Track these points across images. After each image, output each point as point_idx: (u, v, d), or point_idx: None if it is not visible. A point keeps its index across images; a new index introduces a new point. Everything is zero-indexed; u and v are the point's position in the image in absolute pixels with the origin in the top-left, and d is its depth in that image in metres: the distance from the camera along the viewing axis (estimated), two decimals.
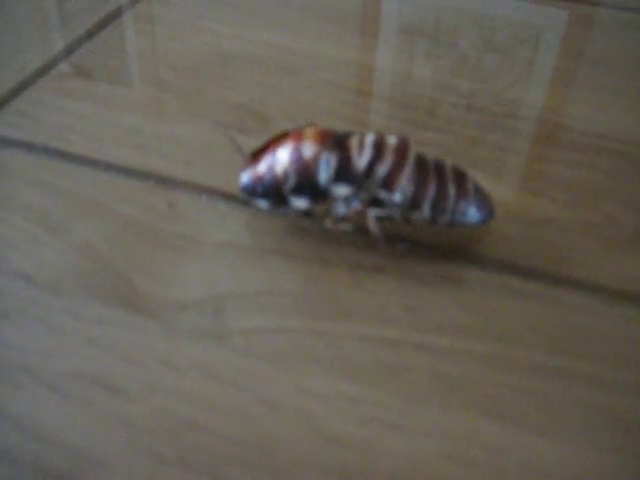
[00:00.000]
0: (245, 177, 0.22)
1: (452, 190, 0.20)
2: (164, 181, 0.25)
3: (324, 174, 0.20)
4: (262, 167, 0.21)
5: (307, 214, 0.21)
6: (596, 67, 0.32)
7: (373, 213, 0.20)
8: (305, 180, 0.20)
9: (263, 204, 0.22)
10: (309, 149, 0.20)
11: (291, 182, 0.21)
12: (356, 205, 0.21)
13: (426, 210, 0.20)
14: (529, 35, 0.33)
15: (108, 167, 0.25)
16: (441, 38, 0.33)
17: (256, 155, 0.22)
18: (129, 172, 0.25)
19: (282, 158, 0.21)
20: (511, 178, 0.25)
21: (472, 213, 0.21)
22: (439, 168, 0.21)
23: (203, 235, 0.22)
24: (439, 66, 0.31)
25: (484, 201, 0.21)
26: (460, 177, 0.21)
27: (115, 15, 0.34)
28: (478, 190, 0.21)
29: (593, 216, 0.23)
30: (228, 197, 0.24)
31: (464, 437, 0.17)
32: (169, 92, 0.29)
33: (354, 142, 0.20)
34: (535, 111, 0.29)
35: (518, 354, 0.19)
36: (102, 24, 0.34)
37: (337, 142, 0.20)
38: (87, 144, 0.26)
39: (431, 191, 0.20)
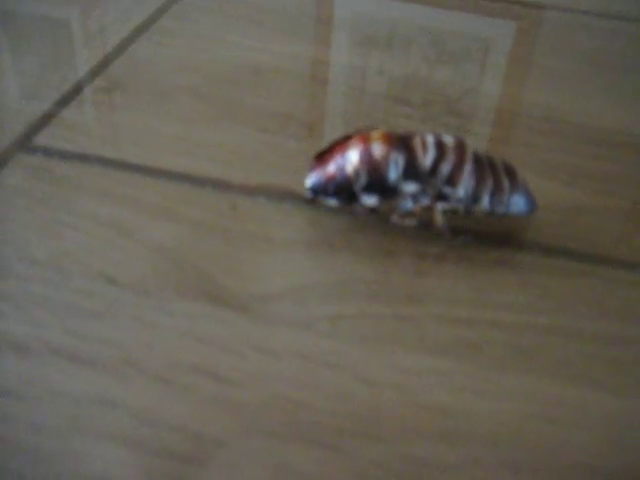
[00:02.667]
0: (314, 177, 0.23)
1: (506, 183, 0.23)
2: (221, 185, 0.26)
3: (394, 173, 0.22)
4: (332, 167, 0.23)
5: (373, 210, 0.23)
6: (547, 71, 0.35)
7: (440, 207, 0.22)
8: (376, 178, 0.22)
9: (333, 202, 0.23)
10: (379, 150, 0.22)
11: (362, 180, 0.22)
12: (424, 200, 0.23)
13: (485, 202, 0.23)
14: (479, 46, 0.35)
15: (164, 174, 0.26)
16: (394, 50, 0.35)
17: (321, 157, 0.24)
18: (185, 178, 0.26)
19: (352, 158, 0.22)
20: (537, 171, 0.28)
21: (522, 204, 0.23)
22: (492, 164, 0.23)
23: (271, 233, 0.24)
24: (393, 78, 0.33)
25: (530, 193, 0.23)
26: (511, 171, 0.23)
27: (140, 30, 0.36)
28: (525, 183, 0.23)
29: (619, 202, 0.26)
30: (286, 197, 0.26)
31: (547, 399, 0.19)
32: (207, 102, 0.31)
33: (417, 143, 0.22)
34: (488, 117, 0.32)
35: (580, 324, 0.21)
36: (129, 39, 0.35)
37: (402, 143, 0.22)
38: (139, 153, 0.27)
39: (489, 185, 0.22)
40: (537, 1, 0.43)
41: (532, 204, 0.23)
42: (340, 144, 0.23)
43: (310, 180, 0.24)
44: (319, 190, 0.23)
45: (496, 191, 0.23)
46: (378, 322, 0.21)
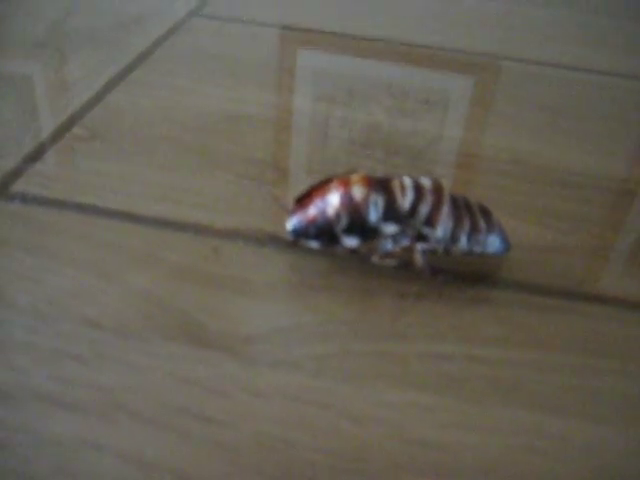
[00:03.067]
0: (295, 221, 0.24)
1: (482, 224, 0.24)
2: (202, 230, 0.26)
3: (374, 214, 0.23)
4: (312, 210, 0.24)
5: (354, 252, 0.24)
6: (507, 118, 0.37)
7: (420, 247, 0.23)
8: (356, 220, 0.23)
9: (314, 244, 0.24)
10: (359, 192, 0.23)
11: (343, 222, 0.23)
12: (404, 241, 0.23)
13: (463, 242, 0.23)
14: (439, 99, 0.37)
15: (145, 220, 0.27)
16: (355, 106, 0.36)
17: (301, 201, 0.24)
18: (166, 223, 0.27)
19: (333, 201, 0.23)
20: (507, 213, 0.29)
21: (498, 243, 0.24)
22: (468, 205, 0.24)
23: (252, 276, 0.24)
24: (354, 132, 0.34)
25: (505, 233, 0.24)
26: (486, 212, 0.24)
27: (115, 82, 0.36)
28: (500, 223, 0.24)
29: (588, 239, 0.27)
30: (266, 241, 0.26)
31: (529, 430, 0.20)
32: (185, 150, 0.31)
33: (396, 185, 0.23)
34: (456, 162, 0.33)
35: (555, 357, 0.22)
36: (105, 91, 0.36)
37: (382, 186, 0.23)
38: (119, 199, 0.28)
39: (466, 225, 0.23)
40: (494, 53, 0.45)
41: (506, 244, 0.24)
42: (320, 188, 0.24)
43: (291, 223, 0.24)
44: (300, 233, 0.24)
45: (473, 231, 0.23)
46: (362, 360, 0.21)
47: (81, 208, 0.27)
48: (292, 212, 0.24)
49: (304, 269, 0.25)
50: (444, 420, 0.20)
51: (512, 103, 0.39)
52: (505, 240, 0.24)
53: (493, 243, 0.24)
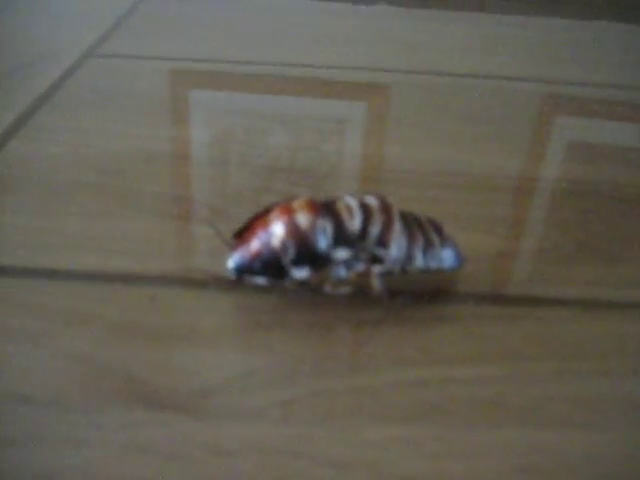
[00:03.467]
0: (237, 258, 0.22)
1: (436, 238, 0.23)
2: (136, 279, 0.24)
3: (323, 241, 0.21)
4: (255, 244, 0.22)
5: (304, 284, 0.22)
6: (426, 130, 0.37)
7: (377, 270, 0.22)
8: (305, 249, 0.21)
9: (261, 280, 0.22)
10: (304, 219, 0.21)
11: (291, 253, 0.21)
12: (358, 266, 0.22)
13: (419, 259, 0.22)
14: (336, 128, 0.35)
15: (72, 275, 0.24)
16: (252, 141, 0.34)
17: (241, 235, 0.23)
18: (94, 276, 0.24)
19: (277, 232, 0.22)
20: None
21: (453, 257, 0.23)
22: (418, 221, 0.23)
23: (197, 323, 0.22)
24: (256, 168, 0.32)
25: (457, 246, 0.23)
26: (437, 226, 0.23)
27: (14, 129, 0.33)
28: (451, 237, 0.23)
29: (536, 244, 0.27)
30: (206, 282, 0.24)
31: (523, 448, 0.19)
32: (104, 194, 0.29)
33: (342, 207, 0.22)
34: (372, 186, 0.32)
35: (534, 367, 0.21)
36: (5, 138, 0.33)
37: (327, 209, 0.22)
38: (41, 255, 0.25)
39: (420, 242, 0.22)
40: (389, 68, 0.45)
41: (461, 256, 0.23)
42: (261, 219, 0.22)
43: (233, 260, 0.22)
44: (244, 269, 0.22)
45: (427, 247, 0.22)
46: (332, 399, 0.20)
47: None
48: (232, 248, 0.23)
49: (252, 308, 0.23)
50: (429, 451, 0.18)
51: (420, 115, 0.38)
52: (459, 253, 0.23)
53: (449, 257, 0.23)
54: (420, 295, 0.24)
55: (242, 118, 0.37)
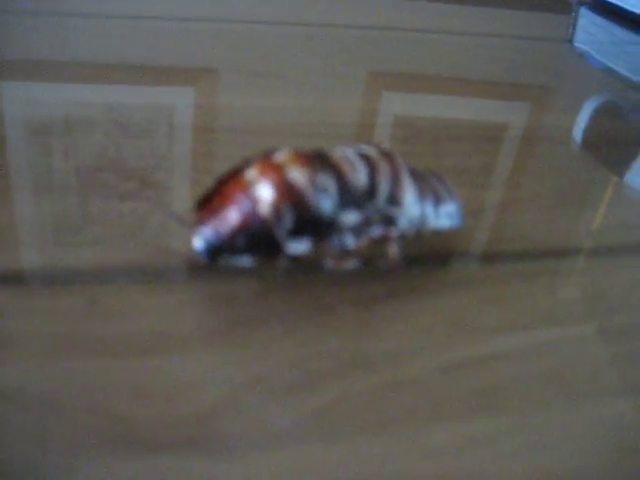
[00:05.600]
0: (208, 234, 0.17)
1: (444, 191, 0.19)
2: (67, 277, 0.18)
3: (327, 203, 0.17)
4: (234, 214, 0.16)
5: (298, 259, 0.17)
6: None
7: (396, 233, 0.17)
8: (305, 215, 0.16)
9: (245, 261, 0.17)
10: (299, 175, 0.16)
11: (288, 222, 0.16)
12: (374, 231, 0.17)
13: (432, 217, 0.18)
14: (163, 116, 0.30)
15: None
16: (75, 134, 0.27)
17: (209, 204, 0.17)
18: (12, 278, 0.17)
19: (265, 195, 0.16)
20: None
21: (460, 214, 0.19)
22: (421, 171, 0.19)
23: (166, 327, 0.17)
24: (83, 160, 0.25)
25: (458, 200, 0.20)
26: (439, 177, 0.19)
27: None
28: (454, 190, 0.20)
29: (517, 192, 0.24)
30: (163, 272, 0.18)
31: (611, 422, 0.15)
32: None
33: (339, 159, 0.17)
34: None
35: (575, 329, 0.18)
36: None
37: (323, 162, 0.17)
38: None
39: (430, 197, 0.18)
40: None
41: (461, 214, 0.20)
42: (233, 181, 0.17)
43: (202, 238, 0.17)
44: (221, 248, 0.17)
45: (439, 202, 0.18)
46: (371, 400, 0.15)
47: None
48: (199, 222, 0.17)
49: (234, 299, 0.18)
50: (507, 448, 0.15)
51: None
52: (461, 208, 0.20)
53: (456, 214, 0.19)
54: (424, 259, 0.20)
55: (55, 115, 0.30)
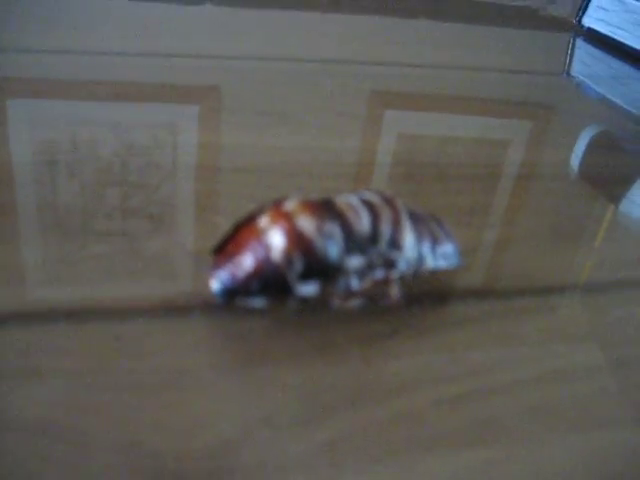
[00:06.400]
0: (225, 277, 0.18)
1: (441, 233, 0.20)
2: (92, 316, 0.19)
3: (334, 249, 0.18)
4: (248, 260, 0.18)
5: (307, 300, 0.19)
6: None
7: (397, 275, 0.19)
8: (314, 260, 0.18)
9: (258, 302, 0.18)
10: (309, 225, 0.18)
11: (298, 267, 0.18)
12: (377, 274, 0.19)
13: (429, 259, 0.20)
14: (168, 134, 0.31)
15: (5, 318, 0.19)
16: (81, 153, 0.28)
17: (223, 250, 0.19)
18: (37, 317, 0.19)
19: (277, 242, 0.18)
20: None
21: (457, 254, 0.21)
22: (420, 215, 0.20)
23: (183, 363, 0.18)
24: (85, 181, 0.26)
25: (455, 241, 0.21)
26: (437, 220, 0.21)
27: None
28: (451, 231, 0.21)
29: (507, 231, 0.26)
30: (179, 311, 0.20)
31: (604, 451, 0.17)
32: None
33: (343, 206, 0.19)
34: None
35: (574, 361, 0.19)
36: None
37: (329, 210, 0.18)
38: None
39: (428, 239, 0.20)
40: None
41: (458, 254, 0.21)
42: (247, 228, 0.19)
43: (220, 281, 0.18)
44: (236, 291, 0.18)
45: (436, 244, 0.20)
46: (376, 431, 0.17)
47: None
48: (215, 266, 0.19)
49: (247, 337, 0.19)
50: (507, 476, 0.16)
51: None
52: (458, 249, 0.21)
53: (453, 254, 0.21)
54: (424, 298, 0.21)
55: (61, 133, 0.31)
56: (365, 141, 0.33)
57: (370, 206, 0.19)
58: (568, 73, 0.54)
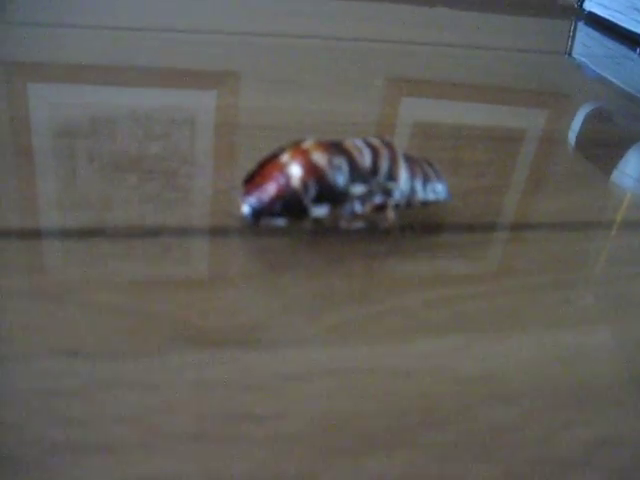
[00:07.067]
0: (253, 201, 0.23)
1: (432, 173, 0.25)
2: (149, 232, 0.24)
3: (341, 178, 0.22)
4: (272, 187, 0.22)
5: (320, 221, 0.23)
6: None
7: (393, 202, 0.23)
8: (325, 187, 0.22)
9: (280, 221, 0.23)
10: (321, 158, 0.22)
11: (312, 192, 0.22)
12: (375, 199, 0.23)
13: (420, 192, 0.24)
14: (185, 117, 0.34)
15: (84, 233, 0.23)
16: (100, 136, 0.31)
17: (252, 180, 0.23)
18: (95, 232, 0.23)
19: (296, 172, 0.22)
20: None
21: (446, 191, 0.25)
22: (414, 157, 0.25)
23: (221, 269, 0.22)
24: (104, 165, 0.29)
25: (445, 181, 0.25)
26: (429, 163, 0.25)
27: None
28: (441, 172, 0.25)
29: (499, 181, 0.30)
30: (218, 231, 0.24)
31: (552, 345, 0.21)
32: (74, 157, 0.27)
33: (350, 146, 0.23)
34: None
35: (529, 280, 0.24)
36: None
37: (339, 149, 0.23)
38: (38, 216, 0.23)
39: (420, 176, 0.24)
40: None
41: (446, 190, 0.26)
42: (272, 162, 0.23)
43: (249, 204, 0.23)
44: (263, 212, 0.23)
45: (427, 180, 0.24)
46: (375, 320, 0.21)
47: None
48: (246, 193, 0.23)
49: (272, 251, 0.24)
50: (475, 354, 0.20)
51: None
52: (448, 188, 0.25)
53: (443, 190, 0.25)
54: (418, 227, 0.26)
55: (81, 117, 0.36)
56: (381, 107, 0.37)
57: (372, 147, 0.23)
58: (570, 54, 0.58)
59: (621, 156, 0.36)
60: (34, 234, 0.23)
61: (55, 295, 0.21)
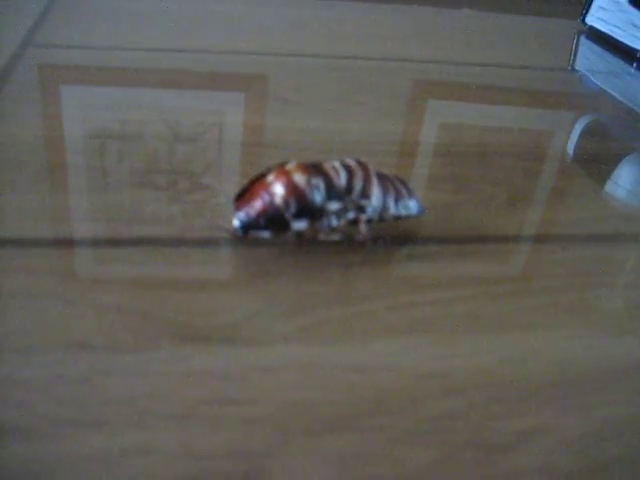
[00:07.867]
0: (242, 216, 0.26)
1: (404, 191, 0.28)
2: (147, 242, 0.27)
3: (318, 196, 0.26)
4: (259, 203, 0.26)
5: (301, 234, 0.26)
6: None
7: (364, 217, 0.26)
8: (304, 204, 0.25)
9: (265, 234, 0.26)
10: (301, 179, 0.25)
11: (293, 208, 0.25)
12: (348, 215, 0.26)
13: (392, 208, 0.27)
14: (213, 122, 0.38)
15: (89, 243, 0.27)
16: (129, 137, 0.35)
17: (242, 197, 0.26)
18: (105, 243, 0.27)
19: (279, 191, 0.25)
20: None
21: (418, 206, 0.28)
22: (388, 177, 0.28)
23: (211, 274, 0.26)
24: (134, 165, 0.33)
25: (419, 197, 0.28)
26: (403, 181, 0.28)
27: None
28: (414, 190, 0.28)
29: (473, 195, 0.33)
30: (211, 242, 0.28)
31: (503, 347, 0.24)
32: (81, 173, 0.31)
33: (328, 167, 0.26)
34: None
35: (492, 288, 0.27)
36: None
37: (317, 170, 0.26)
38: (51, 226, 0.27)
39: (392, 193, 0.27)
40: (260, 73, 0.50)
41: (422, 206, 0.28)
42: (259, 182, 0.26)
43: (239, 219, 0.26)
44: (250, 226, 0.26)
45: (398, 198, 0.27)
46: (342, 322, 0.24)
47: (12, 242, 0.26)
48: (236, 208, 0.26)
49: (258, 260, 0.27)
50: (433, 354, 0.23)
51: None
52: (421, 203, 0.28)
53: (414, 206, 0.28)
54: (392, 239, 0.29)
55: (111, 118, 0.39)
56: (406, 125, 0.40)
57: (347, 167, 0.27)
58: (572, 67, 0.60)
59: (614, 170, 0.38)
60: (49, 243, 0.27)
61: (69, 297, 0.24)
